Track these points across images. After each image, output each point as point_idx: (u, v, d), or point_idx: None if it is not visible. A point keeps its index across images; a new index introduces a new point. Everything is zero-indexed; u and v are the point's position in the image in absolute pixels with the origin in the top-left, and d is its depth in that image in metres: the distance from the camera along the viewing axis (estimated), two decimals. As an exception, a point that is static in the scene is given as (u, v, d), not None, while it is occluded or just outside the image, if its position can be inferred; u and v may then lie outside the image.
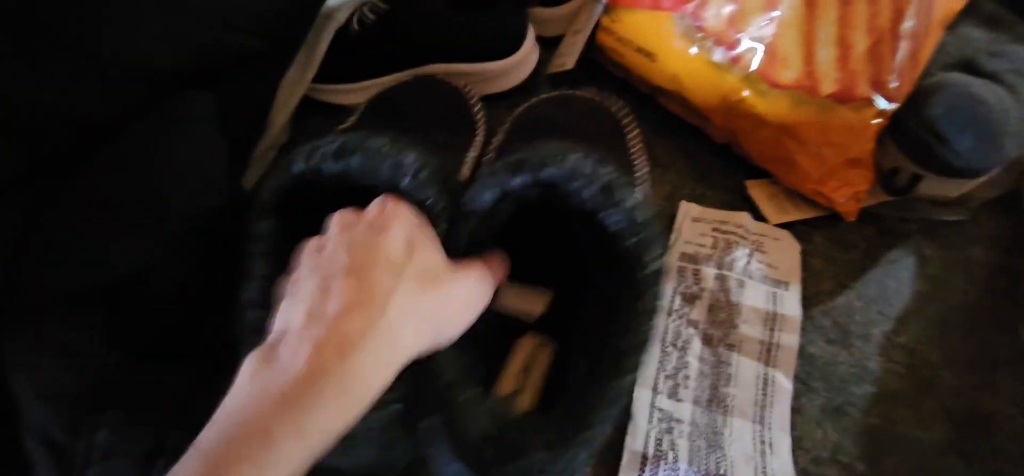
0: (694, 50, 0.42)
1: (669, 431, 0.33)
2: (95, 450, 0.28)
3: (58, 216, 0.34)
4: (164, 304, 0.34)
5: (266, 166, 0.48)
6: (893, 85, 0.39)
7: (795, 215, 0.42)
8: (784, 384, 0.35)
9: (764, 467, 0.32)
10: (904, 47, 0.38)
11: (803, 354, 0.36)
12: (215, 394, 0.35)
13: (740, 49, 0.41)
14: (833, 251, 0.41)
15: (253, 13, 0.38)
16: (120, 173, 0.35)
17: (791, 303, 0.38)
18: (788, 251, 0.40)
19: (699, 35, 0.42)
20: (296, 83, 0.47)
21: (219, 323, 0.36)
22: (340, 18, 0.48)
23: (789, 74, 0.39)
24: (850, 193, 0.41)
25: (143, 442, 0.29)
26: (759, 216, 0.43)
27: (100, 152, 0.35)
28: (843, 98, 0.39)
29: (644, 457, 0.33)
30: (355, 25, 0.48)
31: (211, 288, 0.35)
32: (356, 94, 0.51)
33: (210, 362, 0.35)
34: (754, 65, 0.40)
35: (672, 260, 0.40)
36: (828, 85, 0.39)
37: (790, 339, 0.36)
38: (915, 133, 0.40)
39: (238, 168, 0.43)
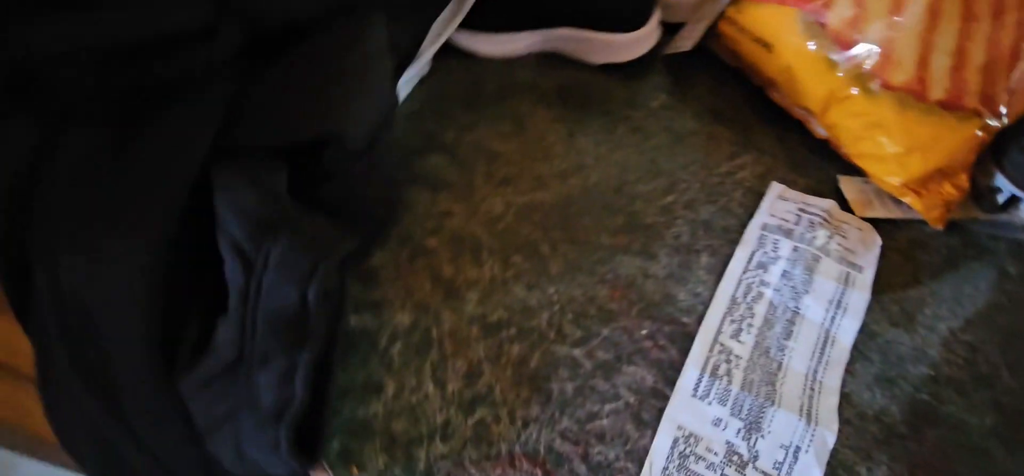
0: (812, 45, 0.46)
1: (727, 361, 0.38)
2: (270, 261, 0.37)
3: (258, 89, 0.43)
4: (329, 174, 0.42)
5: (411, 88, 0.56)
6: (1003, 104, 0.41)
7: (882, 213, 0.45)
8: (842, 348, 0.38)
9: (810, 407, 0.36)
10: (1022, 69, 0.40)
11: (866, 330, 0.39)
12: (359, 255, 0.43)
13: (856, 50, 0.44)
14: (914, 252, 0.43)
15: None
16: (308, 67, 0.44)
17: (862, 283, 0.41)
18: (869, 241, 0.43)
19: (820, 32, 0.45)
20: (445, 25, 0.55)
21: (363, 200, 0.44)
22: (492, -26, 0.55)
23: (900, 76, 0.42)
24: (940, 201, 0.43)
25: (304, 263, 0.37)
26: (847, 209, 0.46)
27: (297, 46, 0.44)
28: (950, 106, 0.41)
29: (701, 375, 0.37)
30: (506, -17, 0.56)
31: (365, 167, 0.44)
32: (491, 44, 0.58)
33: (356, 222, 0.43)
34: (867, 65, 0.43)
35: (753, 229, 0.44)
36: (937, 91, 0.41)
37: (855, 313, 0.39)
38: (1018, 156, 0.42)
39: (394, 79, 0.52)
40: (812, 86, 0.46)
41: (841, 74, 0.45)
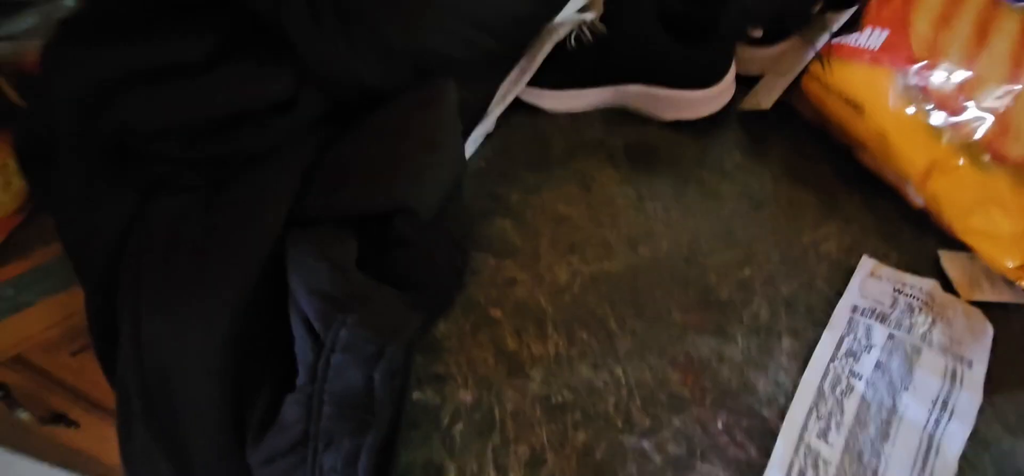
0: (911, 110, 0.41)
1: (814, 466, 0.33)
2: (338, 342, 0.36)
3: (334, 157, 0.43)
4: (398, 243, 0.41)
5: (476, 148, 0.55)
6: None
7: (991, 296, 0.39)
8: (949, 458, 0.33)
9: (913, 532, 0.31)
10: None
11: (976, 437, 0.34)
12: (424, 327, 0.42)
13: (965, 116, 0.38)
14: (1033, 343, 0.37)
15: (504, 21, 0.45)
16: (381, 135, 0.43)
17: (972, 381, 0.35)
18: (978, 330, 0.37)
19: (920, 96, 0.40)
20: (514, 83, 0.53)
21: (431, 269, 0.43)
22: (561, 33, 0.53)
23: (1020, 149, 0.37)
24: (1066, 287, 0.37)
25: (370, 346, 0.36)
26: (950, 289, 0.40)
27: (372, 114, 0.43)
28: (1077, 184, 0.35)
29: (785, 483, 0.33)
30: (572, 42, 0.53)
31: (434, 236, 0.42)
32: (559, 100, 0.56)
33: (420, 300, 0.42)
34: (978, 134, 0.38)
35: (842, 310, 0.39)
36: (1061, 168, 0.35)
37: (964, 417, 0.34)
38: None
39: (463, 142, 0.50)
40: (910, 153, 0.41)
41: (945, 142, 0.39)
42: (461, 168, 0.45)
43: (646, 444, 0.36)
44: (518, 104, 0.57)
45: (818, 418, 0.35)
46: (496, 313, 0.43)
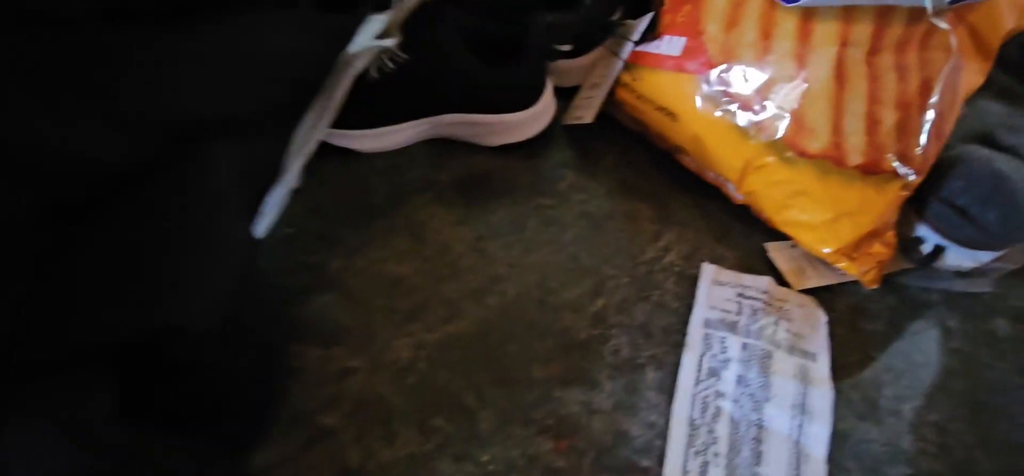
0: (718, 113, 0.39)
1: (704, 518, 0.30)
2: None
3: (68, 268, 0.30)
4: (176, 368, 0.30)
5: (280, 211, 0.44)
6: (919, 158, 0.36)
7: (817, 281, 0.39)
8: (817, 462, 0.32)
9: (805, 561, 0.29)
10: (930, 121, 0.36)
11: (835, 432, 0.33)
12: (236, 467, 0.31)
13: (766, 115, 0.38)
14: (857, 320, 0.38)
15: (279, 63, 0.35)
16: (134, 229, 0.31)
17: (821, 376, 0.35)
18: (814, 320, 0.37)
19: (724, 99, 0.39)
20: (313, 128, 0.44)
21: (231, 389, 0.32)
22: (359, 65, 0.44)
23: (816, 144, 0.37)
24: (873, 262, 0.38)
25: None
26: (780, 280, 0.40)
27: (116, 205, 0.31)
28: (869, 170, 0.36)
29: (680, 548, 0.29)
30: (374, 73, 0.45)
31: (226, 348, 0.32)
32: (371, 140, 0.48)
33: (224, 431, 0.31)
34: (780, 133, 0.38)
35: (696, 327, 0.37)
36: (855, 157, 0.36)
37: (822, 415, 0.33)
38: (938, 206, 0.38)
39: (251, 217, 0.39)
40: (725, 155, 0.40)
41: (753, 141, 0.39)
42: (245, 252, 0.34)
43: (528, 541, 0.30)
44: (328, 150, 0.47)
45: (696, 454, 0.32)
46: (330, 420, 0.34)
